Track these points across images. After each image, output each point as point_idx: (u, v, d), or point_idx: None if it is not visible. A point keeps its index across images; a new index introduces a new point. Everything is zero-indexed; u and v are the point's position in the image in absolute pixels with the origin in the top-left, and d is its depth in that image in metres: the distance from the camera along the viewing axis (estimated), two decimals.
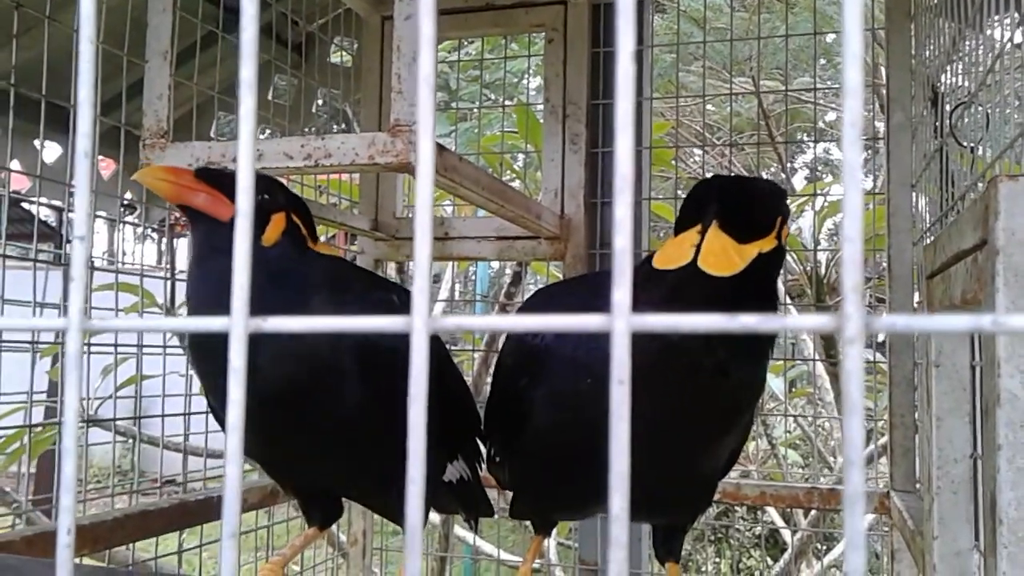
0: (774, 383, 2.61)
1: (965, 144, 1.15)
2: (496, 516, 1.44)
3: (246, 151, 0.28)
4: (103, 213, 1.68)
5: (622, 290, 0.25)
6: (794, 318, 0.24)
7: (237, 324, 0.27)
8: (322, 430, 1.03)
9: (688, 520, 1.08)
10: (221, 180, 1.01)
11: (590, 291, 1.03)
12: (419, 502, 0.26)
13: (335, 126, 2.63)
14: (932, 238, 1.23)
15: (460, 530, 2.69)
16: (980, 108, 1.08)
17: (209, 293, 0.99)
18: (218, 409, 1.13)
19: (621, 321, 0.25)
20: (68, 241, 1.81)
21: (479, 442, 1.24)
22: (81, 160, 0.28)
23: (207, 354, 1.01)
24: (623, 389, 0.25)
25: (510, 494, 1.18)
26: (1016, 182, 0.66)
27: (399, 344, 1.05)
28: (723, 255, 0.83)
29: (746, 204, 0.86)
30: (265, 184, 1.04)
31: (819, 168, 5.43)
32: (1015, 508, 0.68)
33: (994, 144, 1.04)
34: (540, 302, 1.16)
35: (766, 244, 0.85)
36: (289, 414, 0.99)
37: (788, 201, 0.91)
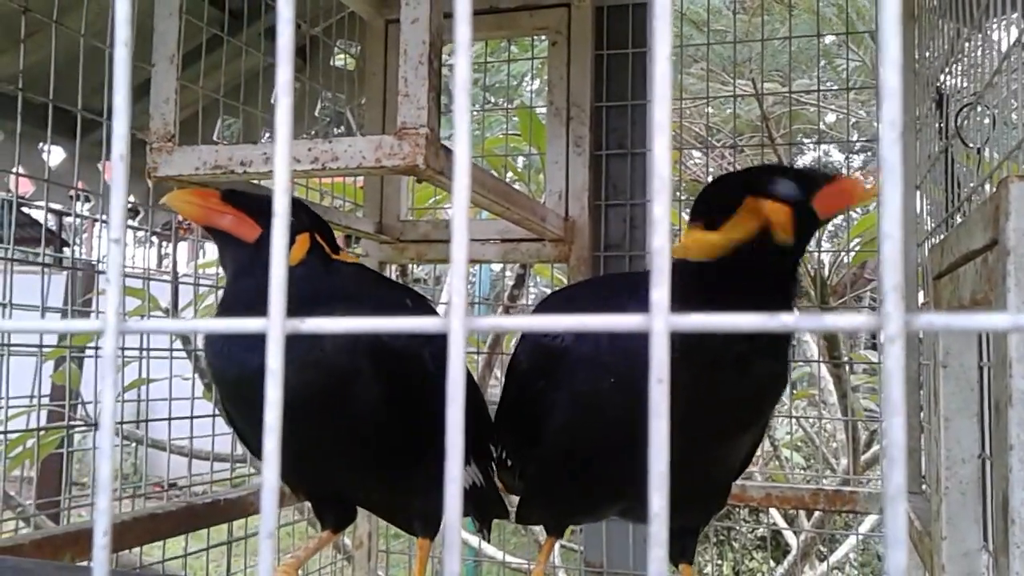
0: None
1: (971, 145, 1.15)
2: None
3: (283, 150, 0.28)
4: (106, 217, 1.68)
5: (660, 289, 0.25)
6: (833, 317, 0.25)
7: (275, 325, 0.27)
8: (343, 435, 1.03)
9: (703, 521, 1.08)
10: (247, 202, 1.02)
11: (611, 292, 1.03)
12: (458, 502, 0.26)
13: (335, 130, 2.64)
14: (936, 239, 1.23)
15: (463, 532, 2.68)
16: (986, 109, 1.08)
17: (238, 311, 1.00)
18: (248, 433, 1.13)
19: (660, 320, 0.25)
20: (68, 244, 1.81)
21: (490, 446, 1.23)
22: (117, 164, 0.28)
23: (233, 378, 1.02)
24: (662, 388, 0.25)
25: (516, 497, 1.18)
26: None
27: (412, 347, 1.05)
28: (703, 241, 0.91)
29: (709, 193, 0.95)
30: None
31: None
32: None
33: (999, 146, 1.04)
34: (560, 303, 1.15)
35: (737, 232, 0.88)
36: (310, 420, 0.99)
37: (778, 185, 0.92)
